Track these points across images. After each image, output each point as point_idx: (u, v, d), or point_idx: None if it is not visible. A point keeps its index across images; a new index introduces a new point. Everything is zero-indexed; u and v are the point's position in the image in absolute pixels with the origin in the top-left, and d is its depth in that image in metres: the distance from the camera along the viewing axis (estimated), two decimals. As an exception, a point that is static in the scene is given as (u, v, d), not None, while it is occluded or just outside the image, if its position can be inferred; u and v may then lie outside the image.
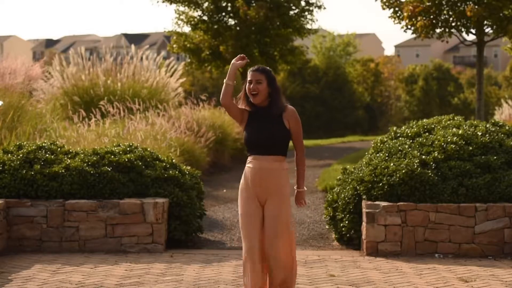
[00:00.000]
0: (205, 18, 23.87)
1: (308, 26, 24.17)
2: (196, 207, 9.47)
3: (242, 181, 6.06)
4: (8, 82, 15.94)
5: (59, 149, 9.61)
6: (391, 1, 19.32)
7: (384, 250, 8.68)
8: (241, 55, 6.06)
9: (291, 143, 6.14)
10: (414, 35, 19.70)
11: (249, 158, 6.04)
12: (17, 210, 8.80)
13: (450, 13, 18.73)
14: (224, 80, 6.02)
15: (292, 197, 6.14)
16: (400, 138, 9.76)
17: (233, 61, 6.02)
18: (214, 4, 23.62)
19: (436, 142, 9.28)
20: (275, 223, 5.92)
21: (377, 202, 8.77)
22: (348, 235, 9.24)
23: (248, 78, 6.00)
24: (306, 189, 6.18)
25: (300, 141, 6.11)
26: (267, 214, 5.96)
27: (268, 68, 6.09)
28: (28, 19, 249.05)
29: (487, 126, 9.69)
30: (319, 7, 24.23)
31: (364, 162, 9.58)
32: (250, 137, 5.98)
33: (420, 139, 9.50)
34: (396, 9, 19.31)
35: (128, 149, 9.63)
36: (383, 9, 19.49)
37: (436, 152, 9.13)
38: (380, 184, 8.88)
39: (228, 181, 14.23)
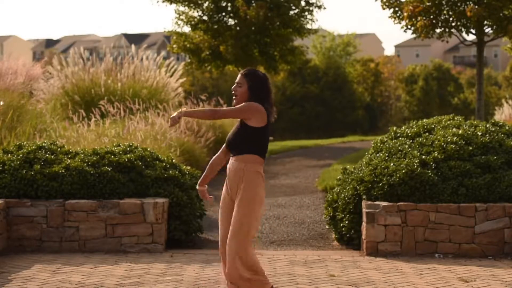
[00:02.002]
0: (205, 18, 23.87)
1: (308, 26, 24.17)
2: (196, 207, 9.47)
3: None
4: (9, 83, 15.96)
5: (59, 149, 9.60)
6: (391, 1, 19.32)
7: (384, 250, 8.67)
8: None
9: (272, 145, 6.23)
10: (414, 35, 19.70)
11: None
12: (17, 210, 8.80)
13: (450, 13, 18.73)
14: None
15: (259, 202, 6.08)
16: (400, 138, 9.76)
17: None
18: (214, 4, 23.62)
19: (436, 142, 9.28)
20: (234, 221, 6.03)
21: (377, 202, 8.77)
22: (348, 235, 9.23)
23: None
24: (180, 115, 5.84)
25: (226, 109, 5.97)
26: (234, 212, 6.10)
27: (256, 72, 6.08)
28: (28, 19, 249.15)
29: (487, 126, 9.69)
30: (319, 7, 24.22)
31: (364, 162, 9.58)
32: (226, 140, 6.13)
33: (420, 139, 9.50)
34: (396, 9, 19.31)
35: (128, 149, 9.63)
36: (383, 9, 19.49)
37: (436, 152, 9.13)
38: (380, 184, 8.88)
39: (228, 181, 14.17)
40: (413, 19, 18.65)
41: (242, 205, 5.98)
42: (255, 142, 5.96)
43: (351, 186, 9.30)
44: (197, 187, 6.33)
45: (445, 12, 18.78)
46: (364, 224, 8.79)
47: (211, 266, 8.05)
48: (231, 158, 6.09)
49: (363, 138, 29.54)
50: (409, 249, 8.68)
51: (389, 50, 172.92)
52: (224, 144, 6.18)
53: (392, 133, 10.07)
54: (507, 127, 9.73)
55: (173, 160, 9.92)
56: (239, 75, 6.09)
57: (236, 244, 5.98)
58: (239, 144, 5.97)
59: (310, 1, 24.13)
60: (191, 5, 23.74)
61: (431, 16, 18.64)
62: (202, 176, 6.29)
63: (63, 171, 9.02)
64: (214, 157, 6.22)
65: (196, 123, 16.11)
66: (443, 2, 18.63)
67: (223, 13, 23.84)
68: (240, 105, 5.95)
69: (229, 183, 6.10)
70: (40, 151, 9.36)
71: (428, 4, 18.45)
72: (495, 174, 8.90)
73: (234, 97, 6.08)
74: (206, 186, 6.30)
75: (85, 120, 13.87)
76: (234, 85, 6.08)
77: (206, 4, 23.77)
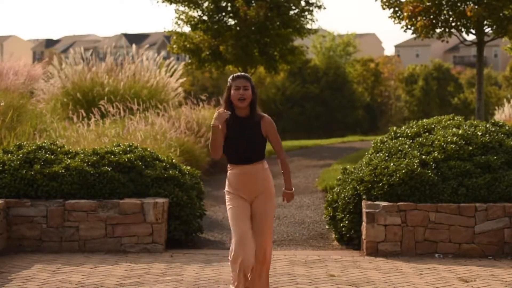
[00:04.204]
0: (205, 18, 23.84)
1: (308, 26, 24.12)
2: (196, 207, 9.48)
3: (227, 186, 6.30)
4: (10, 83, 15.98)
5: (59, 149, 9.61)
6: (391, 1, 19.31)
7: (384, 250, 8.68)
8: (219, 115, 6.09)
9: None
10: (414, 35, 19.69)
11: (231, 166, 6.27)
12: (17, 210, 8.80)
13: (450, 13, 18.72)
14: (212, 123, 6.09)
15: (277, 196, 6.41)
16: (400, 138, 9.76)
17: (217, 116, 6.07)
18: (214, 4, 23.60)
19: (436, 142, 9.28)
20: (262, 220, 6.22)
21: (377, 202, 8.77)
22: (348, 235, 9.24)
23: (235, 85, 6.22)
24: (294, 189, 6.44)
25: (280, 146, 6.35)
26: (255, 211, 6.24)
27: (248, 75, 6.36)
28: (28, 19, 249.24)
29: (487, 126, 9.69)
30: (319, 7, 24.19)
31: (364, 162, 9.58)
32: (233, 149, 6.20)
33: (420, 139, 9.50)
34: (396, 9, 19.30)
35: (128, 149, 9.63)
36: (383, 9, 19.48)
37: (436, 152, 9.13)
38: (380, 184, 8.88)
39: (228, 181, 14.15)
40: (413, 19, 18.64)
41: (271, 202, 6.27)
42: (265, 147, 6.34)
43: (351, 186, 9.30)
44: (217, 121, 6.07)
45: (445, 12, 18.77)
46: (364, 224, 8.79)
47: (211, 266, 8.05)
48: (244, 166, 6.21)
49: (363, 138, 29.48)
50: (409, 249, 8.68)
51: (389, 50, 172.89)
52: (216, 153, 6.15)
53: (392, 133, 10.07)
54: (507, 127, 9.74)
55: (173, 160, 9.92)
56: (240, 80, 6.23)
57: (269, 245, 6.27)
58: (258, 153, 6.25)
59: (310, 1, 24.09)
60: (191, 5, 23.72)
61: (431, 16, 18.63)
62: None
63: (63, 171, 9.02)
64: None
65: (196, 123, 16.10)
66: (443, 2, 18.62)
67: (223, 13, 23.82)
68: (275, 133, 6.25)
69: (246, 186, 6.23)
70: (40, 151, 9.36)
71: (428, 4, 18.44)
72: (495, 174, 8.90)
73: (242, 101, 6.18)
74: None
75: (85, 120, 13.86)
76: (241, 89, 6.19)
77: (206, 4, 23.74)
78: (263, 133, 6.24)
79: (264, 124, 6.25)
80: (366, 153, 10.05)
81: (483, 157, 9.08)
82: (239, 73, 6.33)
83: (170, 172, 9.42)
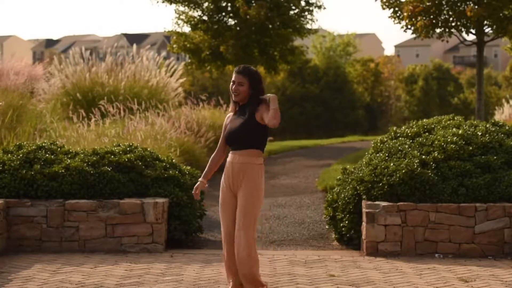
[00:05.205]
0: (205, 18, 23.86)
1: (308, 26, 24.16)
2: (196, 207, 9.48)
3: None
4: (11, 83, 15.99)
5: (59, 149, 9.61)
6: (391, 1, 19.32)
7: (384, 250, 8.68)
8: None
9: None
10: (414, 35, 19.70)
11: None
12: (17, 210, 8.80)
13: (450, 13, 18.73)
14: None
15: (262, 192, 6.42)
16: (400, 138, 9.76)
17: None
18: (214, 4, 23.61)
19: (436, 142, 9.28)
20: (242, 214, 6.26)
21: (377, 202, 8.77)
22: (348, 235, 9.24)
23: (232, 79, 6.34)
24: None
25: (269, 115, 6.06)
26: (238, 205, 6.32)
27: (252, 69, 6.32)
28: (28, 19, 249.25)
29: (487, 126, 9.69)
30: (319, 7, 24.21)
31: (364, 162, 9.58)
32: (226, 135, 6.39)
33: (420, 139, 9.50)
34: (396, 9, 19.31)
35: (128, 149, 9.63)
36: (383, 9, 19.48)
37: (436, 152, 9.13)
38: (380, 184, 8.88)
39: (228, 181, 14.14)
40: (413, 19, 18.65)
41: (251, 196, 6.24)
42: (261, 137, 6.28)
43: (351, 186, 9.30)
44: (200, 179, 6.59)
45: (445, 12, 18.78)
46: (364, 224, 8.79)
47: (211, 266, 8.05)
48: (232, 153, 6.36)
49: (363, 138, 29.51)
50: (409, 249, 8.68)
51: (389, 50, 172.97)
52: (221, 141, 6.50)
53: (392, 133, 10.06)
54: (507, 127, 9.74)
55: (173, 160, 9.92)
56: (238, 75, 6.30)
57: (246, 236, 6.21)
58: (246, 139, 6.25)
59: (310, 1, 24.12)
60: (191, 5, 23.74)
61: (431, 16, 18.63)
62: (205, 170, 6.61)
63: (63, 171, 9.02)
64: (214, 154, 6.62)
65: (196, 123, 16.10)
66: (443, 2, 18.62)
67: (223, 13, 23.84)
68: (266, 108, 6.15)
69: (232, 176, 6.34)
70: (40, 151, 9.36)
71: (428, 4, 18.44)
72: (495, 174, 8.90)
73: (235, 95, 6.31)
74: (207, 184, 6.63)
75: (85, 120, 13.86)
76: (235, 85, 6.30)
77: (206, 4, 23.76)
78: (257, 117, 6.20)
79: (260, 109, 6.20)
80: (366, 153, 10.04)
81: (483, 157, 9.08)
82: (240, 67, 6.35)
83: (170, 172, 9.42)
